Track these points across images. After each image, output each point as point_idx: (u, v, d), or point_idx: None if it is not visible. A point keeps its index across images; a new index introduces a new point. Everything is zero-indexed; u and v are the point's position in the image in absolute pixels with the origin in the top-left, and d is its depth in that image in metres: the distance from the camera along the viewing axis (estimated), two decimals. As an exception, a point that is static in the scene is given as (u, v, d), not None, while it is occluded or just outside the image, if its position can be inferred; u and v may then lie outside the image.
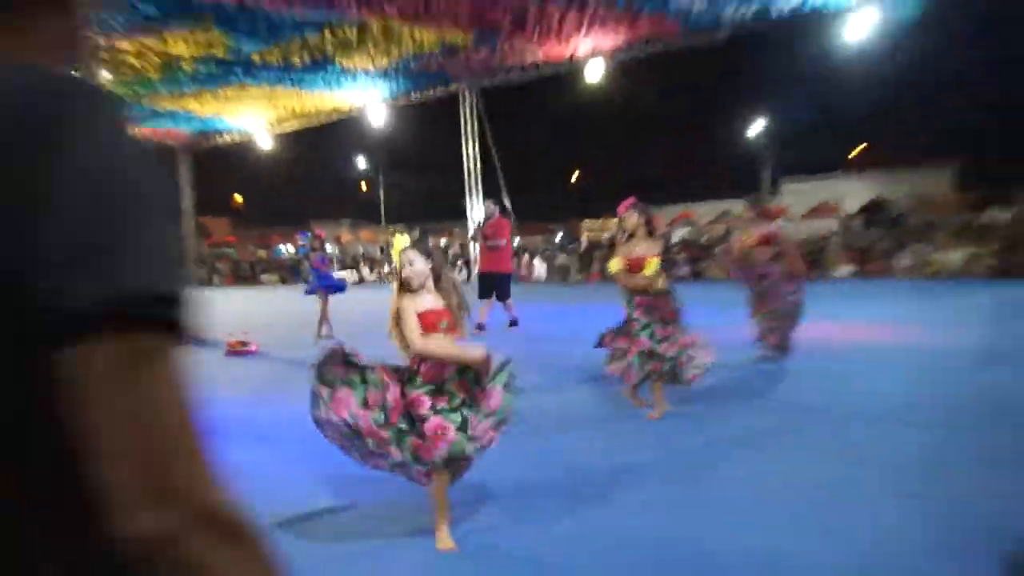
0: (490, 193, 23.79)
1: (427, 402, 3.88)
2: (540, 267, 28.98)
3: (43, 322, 0.73)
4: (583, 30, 17.95)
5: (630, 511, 4.36)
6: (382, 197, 48.58)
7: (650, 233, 6.61)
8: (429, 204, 52.57)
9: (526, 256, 29.86)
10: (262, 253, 41.00)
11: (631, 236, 6.61)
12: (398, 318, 4.07)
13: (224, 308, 20.38)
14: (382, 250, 40.56)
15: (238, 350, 11.76)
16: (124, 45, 16.22)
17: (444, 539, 3.98)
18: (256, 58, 17.92)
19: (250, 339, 11.98)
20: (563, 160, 59.18)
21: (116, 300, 0.73)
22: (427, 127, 38.55)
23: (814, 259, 22.24)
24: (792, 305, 8.84)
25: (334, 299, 13.13)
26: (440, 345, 3.99)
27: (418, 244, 4.17)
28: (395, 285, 4.15)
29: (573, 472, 5.10)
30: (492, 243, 12.98)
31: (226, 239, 47.92)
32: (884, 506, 4.25)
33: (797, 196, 36.00)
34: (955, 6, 21.37)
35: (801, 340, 9.16)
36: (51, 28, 0.92)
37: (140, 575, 0.75)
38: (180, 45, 16.51)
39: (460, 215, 25.72)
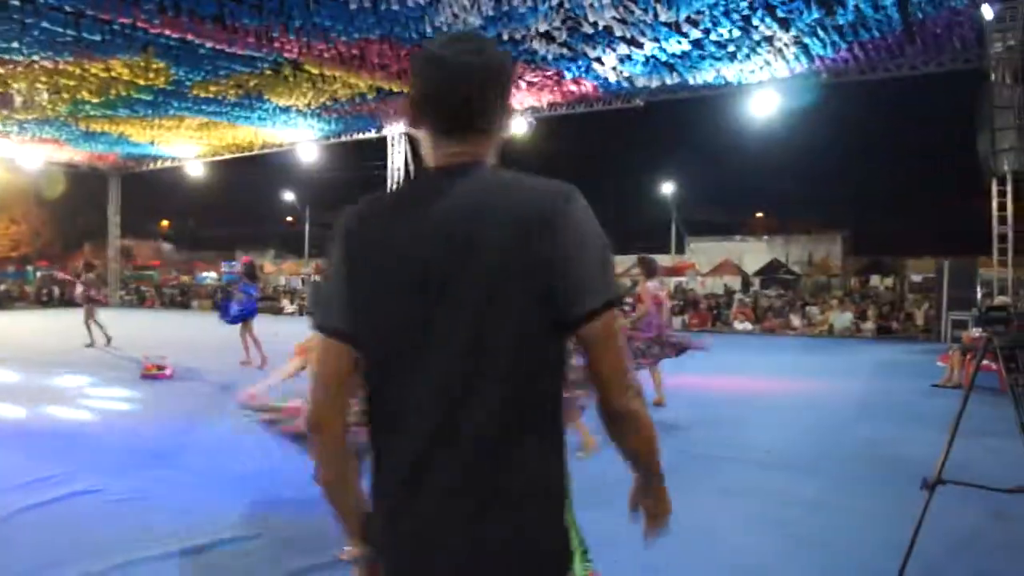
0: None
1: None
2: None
3: (567, 318, 1.55)
4: (519, 90, 19.00)
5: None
6: (307, 231, 49.00)
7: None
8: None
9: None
10: (186, 279, 40.98)
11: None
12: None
13: (149, 331, 20.67)
14: (303, 282, 40.90)
15: (153, 373, 12.25)
16: (67, 67, 16.61)
17: None
18: (195, 90, 18.49)
19: (167, 363, 12.46)
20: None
21: (608, 301, 1.58)
22: (355, 166, 39.29)
23: (717, 313, 23.55)
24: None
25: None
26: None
27: None
28: None
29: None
30: None
31: (150, 263, 47.68)
32: (747, 541, 5.16)
33: (701, 254, 37.78)
34: (846, 97, 23.22)
35: (700, 389, 10.18)
36: (501, 132, 1.72)
37: (615, 427, 1.66)
38: (122, 71, 16.97)
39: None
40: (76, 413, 9.52)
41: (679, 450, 7.55)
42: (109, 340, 16.65)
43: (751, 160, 45.38)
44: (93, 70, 16.81)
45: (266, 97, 19.25)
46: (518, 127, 21.37)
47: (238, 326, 13.65)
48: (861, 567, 4.66)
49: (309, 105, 20.15)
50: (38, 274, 39.65)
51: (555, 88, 19.14)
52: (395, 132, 24.09)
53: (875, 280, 33.64)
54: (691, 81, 18.12)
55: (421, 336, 1.56)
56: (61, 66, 16.48)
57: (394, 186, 2.15)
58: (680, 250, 40.08)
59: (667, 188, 42.76)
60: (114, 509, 5.72)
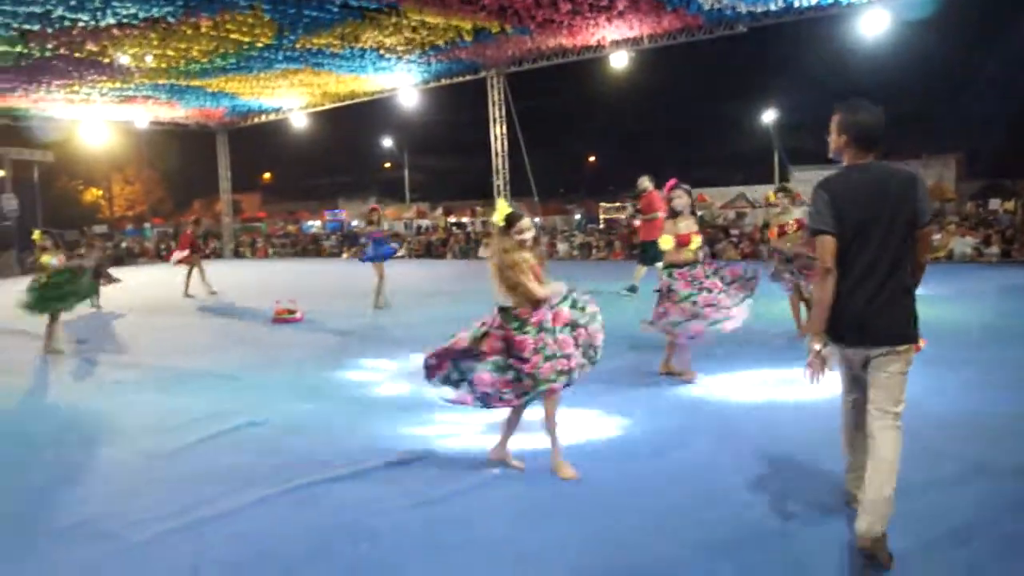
0: (516, 173, 24.83)
1: (531, 343, 4.88)
2: (561, 246, 29.92)
3: (917, 224, 3.73)
4: (611, 21, 18.85)
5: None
6: (407, 176, 49.65)
7: (693, 212, 7.44)
8: (453, 184, 53.60)
9: (546, 236, 30.80)
10: (292, 228, 42.09)
11: (677, 214, 7.36)
12: (510, 270, 4.94)
13: (268, 279, 21.45)
14: (405, 226, 41.61)
15: (284, 318, 12.82)
16: (177, 28, 17.11)
17: (566, 468, 5.00)
18: (299, 43, 18.87)
19: (296, 307, 13.02)
20: (581, 144, 59.83)
21: (928, 220, 3.81)
22: (454, 110, 39.51)
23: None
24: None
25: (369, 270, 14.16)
26: (553, 289, 5.03)
27: (522, 215, 5.09)
28: (505, 243, 5.01)
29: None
30: (647, 216, 14.21)
31: (257, 215, 49.09)
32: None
33: (807, 184, 36.77)
34: (961, 8, 22.17)
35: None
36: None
37: (920, 272, 3.92)
38: (230, 28, 17.40)
39: (484, 194, 26.59)
40: (220, 356, 10.10)
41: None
42: (211, 293, 17.33)
43: (857, 83, 43.84)
44: (203, 29, 17.29)
45: (367, 45, 19.53)
46: (618, 60, 21.23)
47: (373, 267, 14.01)
48: None
49: (409, 51, 20.38)
50: (154, 230, 41.26)
51: (657, 19, 18.91)
52: (493, 74, 24.18)
53: (994, 204, 32.40)
54: (796, 3, 17.69)
55: (866, 234, 3.71)
56: (171, 28, 16.97)
57: (843, 170, 3.87)
58: (783, 179, 39.18)
59: (768, 116, 41.83)
60: (280, 439, 6.16)
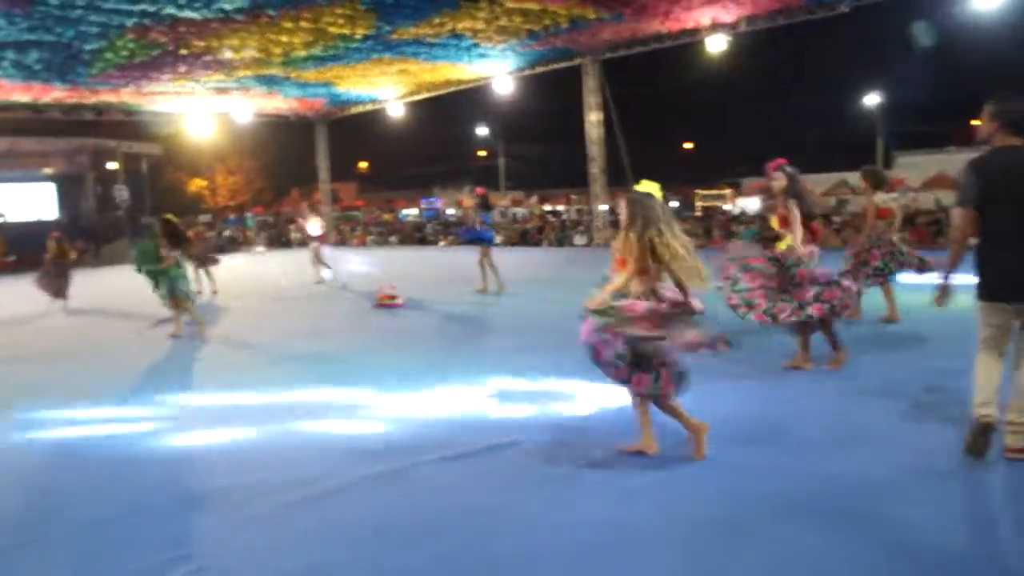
0: (612, 160, 24.71)
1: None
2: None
3: None
4: (708, 4, 18.59)
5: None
6: (502, 164, 49.89)
7: (794, 195, 7.19)
8: (548, 171, 53.62)
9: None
10: (388, 216, 42.77)
11: (775, 196, 7.24)
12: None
13: (369, 266, 21.86)
14: (502, 214, 41.78)
15: (387, 303, 13.06)
16: (278, 22, 17.54)
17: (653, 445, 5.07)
18: (396, 34, 19.13)
19: (398, 293, 13.24)
20: (677, 130, 59.11)
21: None
22: (548, 97, 39.42)
23: (936, 230, 22.36)
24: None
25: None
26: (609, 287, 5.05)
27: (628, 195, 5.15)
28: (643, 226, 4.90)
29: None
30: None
31: (354, 203, 50.01)
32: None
33: (912, 168, 35.43)
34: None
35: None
36: None
37: None
38: (329, 21, 17.76)
39: (579, 182, 26.54)
40: (326, 340, 10.35)
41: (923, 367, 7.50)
42: (323, 279, 17.66)
43: (964, 64, 42.07)
44: (303, 23, 17.68)
45: (463, 34, 19.67)
46: (715, 44, 20.89)
47: (477, 257, 14.17)
48: None
49: (504, 39, 20.45)
50: (255, 219, 42.38)
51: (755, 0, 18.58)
52: (588, 60, 24.08)
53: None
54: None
55: (1019, 206, 4.36)
56: (273, 20, 17.38)
57: (992, 151, 4.46)
58: (887, 164, 37.93)
59: (872, 99, 40.62)
60: (386, 420, 6.33)
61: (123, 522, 4.52)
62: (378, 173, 61.30)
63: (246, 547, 4.12)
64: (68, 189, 37.14)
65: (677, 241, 4.85)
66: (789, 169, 7.30)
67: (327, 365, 8.71)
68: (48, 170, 36.88)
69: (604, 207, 25.98)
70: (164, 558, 3.98)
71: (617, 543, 3.92)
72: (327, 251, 17.98)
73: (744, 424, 5.69)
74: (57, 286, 15.21)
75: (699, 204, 39.64)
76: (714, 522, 4.09)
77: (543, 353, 8.50)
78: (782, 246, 7.07)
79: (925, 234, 22.09)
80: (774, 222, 7.31)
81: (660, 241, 4.81)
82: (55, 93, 23.72)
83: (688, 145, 60.63)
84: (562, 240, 28.71)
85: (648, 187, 5.04)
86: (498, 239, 29.40)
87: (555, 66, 24.63)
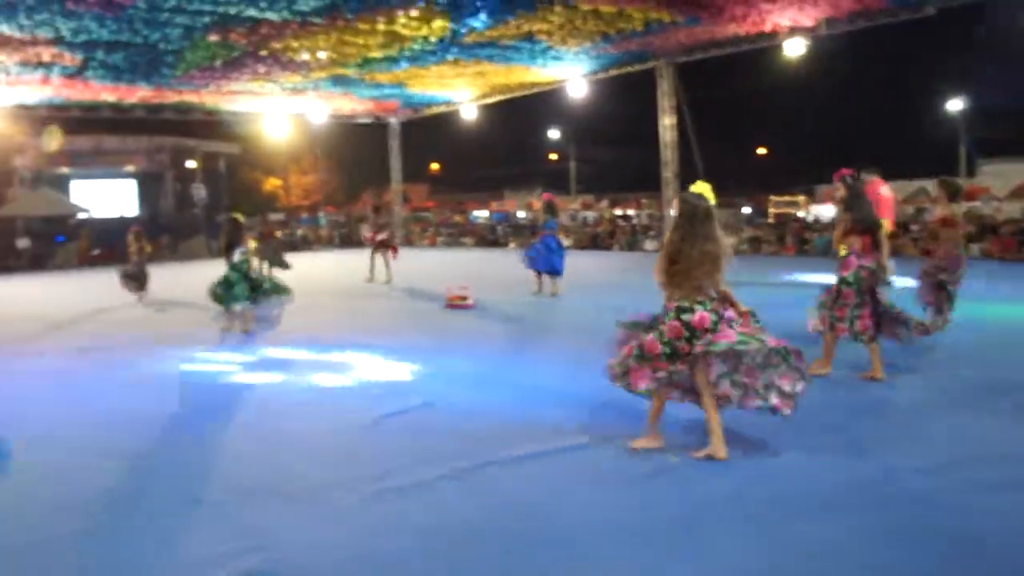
0: (685, 165, 24.46)
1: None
2: (728, 240, 29.40)
3: None
4: (787, 7, 18.29)
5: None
6: (572, 167, 49.82)
7: (851, 206, 7.05)
8: (619, 175, 53.38)
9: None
10: (459, 218, 43.05)
11: (837, 205, 7.15)
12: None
13: (439, 267, 22.02)
14: (572, 218, 41.74)
15: (457, 304, 13.12)
16: (354, 25, 17.77)
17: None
18: (471, 37, 19.23)
19: (468, 293, 13.29)
20: (751, 135, 58.28)
21: None
22: (621, 100, 39.25)
23: (1021, 240, 21.61)
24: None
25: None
26: None
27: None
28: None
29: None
30: None
31: (424, 204, 50.44)
32: None
33: (997, 177, 34.25)
34: None
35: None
36: None
37: None
38: (404, 24, 17.93)
39: (651, 186, 26.34)
40: (397, 339, 10.43)
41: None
42: (386, 280, 17.76)
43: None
44: (378, 26, 17.87)
45: (537, 37, 19.68)
46: (793, 48, 20.53)
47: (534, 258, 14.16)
48: None
49: (578, 41, 20.41)
50: (327, 219, 42.98)
51: (835, 3, 18.20)
52: (662, 63, 23.89)
53: None
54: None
55: None
56: (349, 24, 17.62)
57: None
58: (970, 173, 36.80)
59: (954, 105, 39.49)
60: (459, 419, 6.34)
61: (193, 511, 4.62)
62: (449, 175, 61.81)
63: (313, 539, 4.16)
64: (148, 186, 38.24)
65: (711, 246, 4.99)
66: (849, 179, 7.15)
67: (396, 363, 8.76)
68: (130, 168, 37.98)
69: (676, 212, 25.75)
70: (232, 547, 4.05)
71: (687, 548, 3.88)
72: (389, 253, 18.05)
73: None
74: (137, 279, 15.64)
75: (772, 211, 39.04)
76: (799, 539, 4.00)
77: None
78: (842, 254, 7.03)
79: (1009, 244, 21.38)
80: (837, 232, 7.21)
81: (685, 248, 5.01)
82: (139, 93, 24.37)
83: (762, 150, 59.83)
84: (633, 245, 28.55)
85: (701, 188, 5.03)
86: (567, 242, 29.37)
87: (629, 69, 24.49)
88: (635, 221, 36.38)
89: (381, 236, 17.93)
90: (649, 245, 27.43)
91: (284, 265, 16.80)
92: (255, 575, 3.77)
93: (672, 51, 22.87)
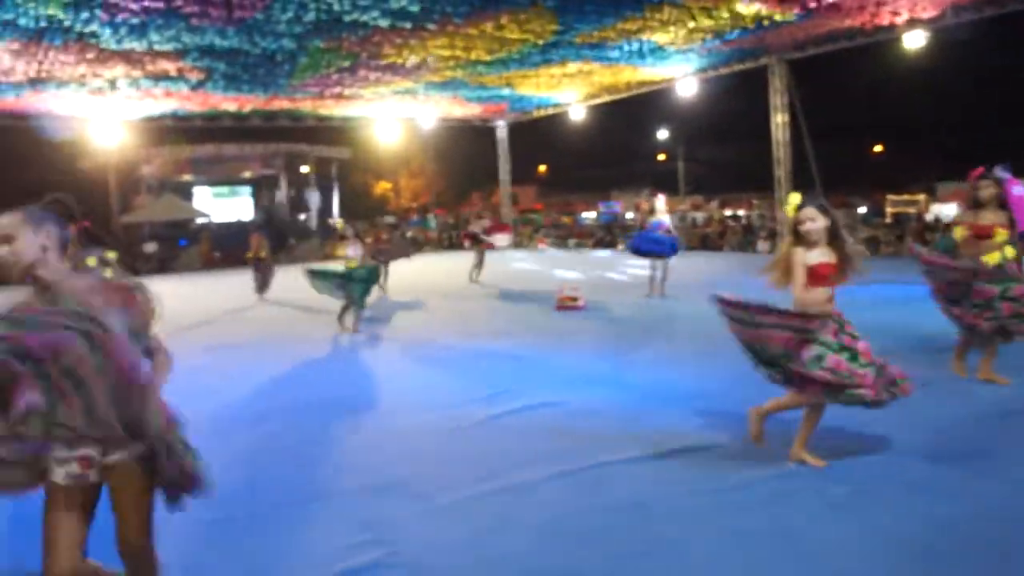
0: (798, 164, 23.91)
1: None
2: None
3: None
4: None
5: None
6: (681, 167, 49.31)
7: (1002, 205, 6.53)
8: (729, 175, 52.50)
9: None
10: (567, 219, 43.06)
11: (980, 205, 6.61)
12: (786, 265, 4.82)
13: (547, 268, 22.08)
14: (681, 219, 41.29)
15: (567, 305, 13.13)
16: (462, 30, 17.98)
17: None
18: (578, 38, 19.23)
19: (579, 294, 13.29)
20: (867, 132, 56.42)
21: None
22: (731, 99, 38.59)
23: None
24: None
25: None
26: (815, 300, 4.72)
27: (816, 202, 4.81)
28: (788, 238, 4.89)
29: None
30: None
31: (533, 206, 50.63)
32: None
33: None
34: None
35: None
36: None
37: None
38: (511, 27, 18.06)
39: (762, 185, 25.81)
40: (508, 340, 10.51)
41: None
42: (475, 280, 18.03)
43: None
44: (487, 30, 18.04)
45: (646, 37, 19.54)
46: (913, 41, 19.84)
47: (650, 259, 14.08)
48: None
49: (688, 40, 20.17)
50: (436, 220, 43.56)
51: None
52: (774, 60, 23.40)
53: None
54: None
55: None
56: (458, 30, 17.83)
57: None
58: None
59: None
60: (571, 420, 6.35)
61: (317, 505, 4.77)
62: (557, 176, 61.91)
63: (429, 535, 4.26)
64: (264, 191, 39.44)
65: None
66: (1001, 174, 6.62)
67: (509, 363, 8.84)
68: (247, 173, 39.26)
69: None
70: (354, 541, 4.18)
71: (805, 555, 3.82)
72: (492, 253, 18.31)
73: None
74: (260, 281, 16.23)
75: (889, 210, 37.76)
76: (913, 545, 3.90)
77: (725, 360, 8.35)
78: (993, 259, 6.52)
79: None
80: (959, 231, 6.79)
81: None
82: (256, 102, 25.18)
83: (878, 148, 57.94)
84: (744, 246, 28.04)
85: (792, 199, 4.86)
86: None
87: (739, 67, 24.07)
88: (746, 222, 35.69)
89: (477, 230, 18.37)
90: (762, 246, 26.87)
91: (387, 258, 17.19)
92: (376, 568, 3.88)
93: (785, 47, 22.38)
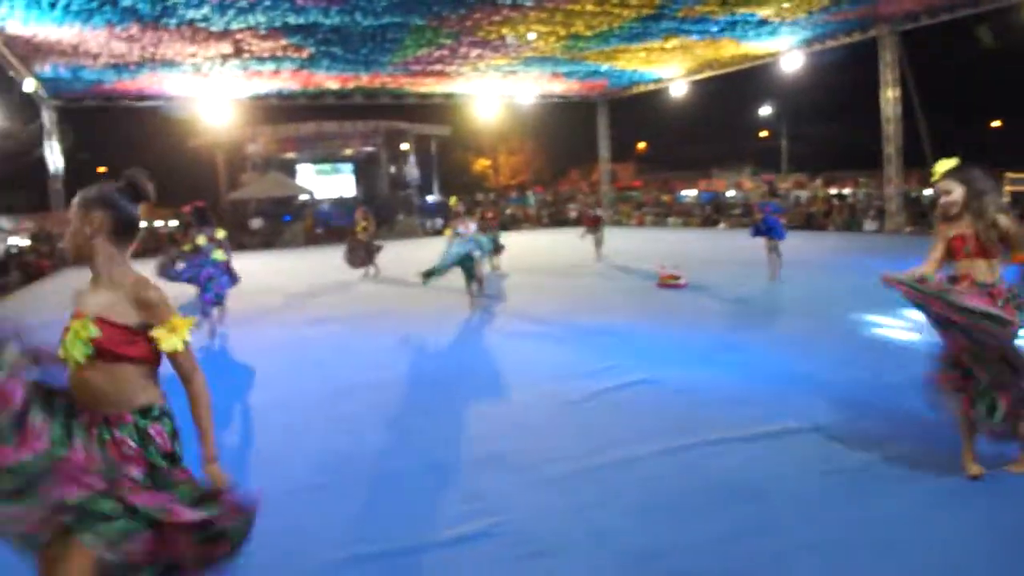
0: (909, 141, 23.10)
1: None
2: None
3: None
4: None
5: None
6: (784, 145, 48.10)
7: None
8: (835, 152, 50.93)
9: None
10: (667, 198, 42.54)
11: None
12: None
13: (646, 246, 21.92)
14: (783, 197, 40.29)
15: (669, 283, 13.02)
16: (564, 6, 17.89)
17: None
18: (680, 13, 18.93)
19: (681, 273, 13.17)
20: (984, 107, 53.99)
21: None
22: (838, 73, 37.41)
23: None
24: None
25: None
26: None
27: (957, 171, 4.32)
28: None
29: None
30: None
31: (632, 184, 50.12)
32: None
33: None
34: None
35: None
36: None
37: None
38: (614, 4, 17.89)
39: (869, 163, 24.99)
40: (611, 316, 10.48)
41: None
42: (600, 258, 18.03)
43: None
44: (588, 6, 17.91)
45: (751, 10, 19.12)
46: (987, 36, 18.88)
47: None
48: None
49: (794, 12, 19.66)
50: (535, 198, 43.57)
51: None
52: (885, 32, 22.59)
53: None
54: None
55: None
56: (558, 6, 17.75)
57: None
58: None
59: None
60: (676, 397, 6.31)
61: (428, 475, 4.87)
62: (656, 154, 61.08)
63: (535, 507, 4.30)
64: (364, 168, 40.09)
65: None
66: None
67: (612, 340, 8.83)
68: (348, 151, 39.95)
69: (899, 191, 24.25)
70: (463, 510, 4.26)
71: (916, 545, 3.72)
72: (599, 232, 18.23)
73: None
74: (362, 256, 16.52)
75: (1008, 188, 36.15)
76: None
77: (831, 341, 8.19)
78: None
79: None
80: None
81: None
82: (358, 80, 25.59)
83: (996, 123, 55.44)
84: (851, 225, 27.20)
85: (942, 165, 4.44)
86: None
87: (847, 40, 23.30)
88: (852, 200, 34.66)
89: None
90: (869, 226, 26.00)
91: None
92: (482, 537, 3.94)
93: (895, 18, 21.59)
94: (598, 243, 18.04)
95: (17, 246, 26.60)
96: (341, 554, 3.83)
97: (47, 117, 26.02)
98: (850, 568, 3.52)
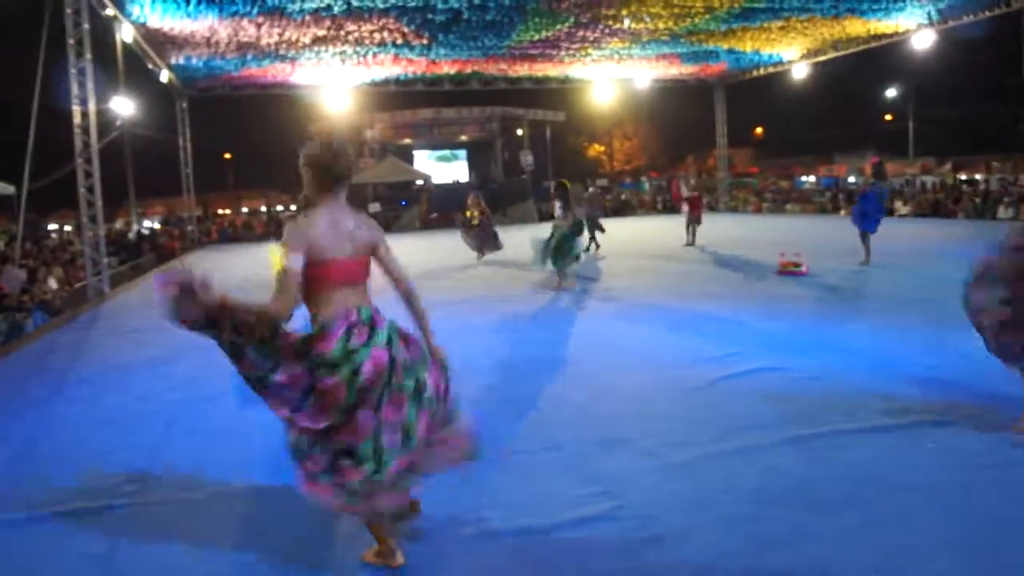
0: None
1: None
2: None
3: None
4: None
5: None
6: (911, 128, 46.27)
7: None
8: (965, 136, 48.80)
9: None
10: (785, 184, 41.68)
11: None
12: None
13: (763, 233, 21.48)
14: (907, 183, 38.94)
15: (790, 270, 12.71)
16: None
17: None
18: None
19: (802, 260, 12.83)
20: None
21: None
22: (968, 51, 35.79)
23: None
24: None
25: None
26: None
27: None
28: None
29: None
30: None
31: (748, 170, 49.31)
32: None
33: None
34: None
35: None
36: None
37: None
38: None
39: (1004, 147, 23.80)
40: (731, 303, 10.30)
41: None
42: (691, 243, 17.86)
43: None
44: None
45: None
46: None
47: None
48: None
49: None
50: (650, 183, 43.25)
51: None
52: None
53: None
54: None
55: None
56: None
57: None
58: None
59: None
60: (799, 385, 6.16)
61: (552, 456, 4.90)
62: (774, 138, 59.69)
63: (656, 491, 4.27)
64: (479, 154, 40.39)
65: None
66: None
67: (733, 326, 8.69)
68: (463, 137, 40.31)
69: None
70: (585, 492, 4.26)
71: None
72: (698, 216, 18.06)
73: None
74: (479, 241, 16.63)
75: None
76: None
77: (956, 333, 7.84)
78: None
79: None
80: None
81: None
82: (474, 66, 25.75)
83: None
84: (982, 212, 25.92)
85: None
86: (904, 210, 27.36)
87: (987, 14, 21.98)
88: (984, 187, 33.12)
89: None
90: (1003, 213, 24.72)
91: (599, 227, 17.38)
92: (605, 520, 3.93)
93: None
94: (692, 223, 17.98)
95: (150, 228, 27.85)
96: (469, 531, 3.89)
97: (180, 106, 27.17)
98: (999, 568, 3.36)
